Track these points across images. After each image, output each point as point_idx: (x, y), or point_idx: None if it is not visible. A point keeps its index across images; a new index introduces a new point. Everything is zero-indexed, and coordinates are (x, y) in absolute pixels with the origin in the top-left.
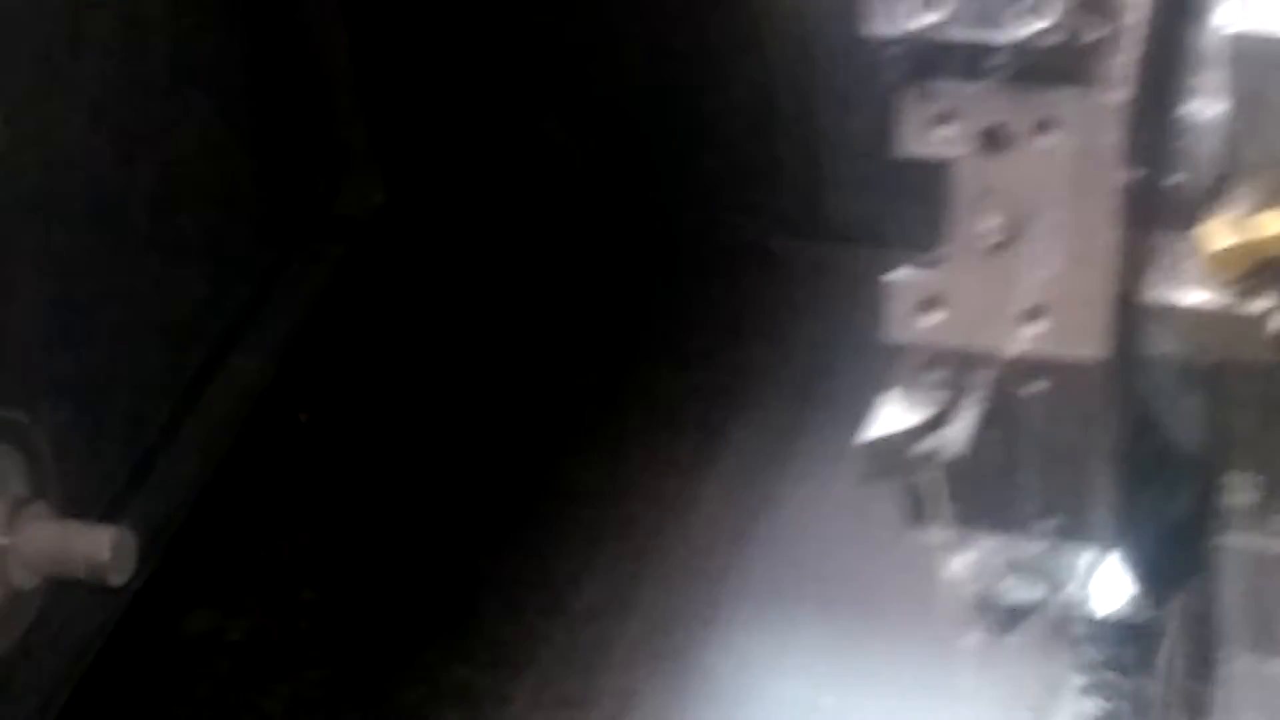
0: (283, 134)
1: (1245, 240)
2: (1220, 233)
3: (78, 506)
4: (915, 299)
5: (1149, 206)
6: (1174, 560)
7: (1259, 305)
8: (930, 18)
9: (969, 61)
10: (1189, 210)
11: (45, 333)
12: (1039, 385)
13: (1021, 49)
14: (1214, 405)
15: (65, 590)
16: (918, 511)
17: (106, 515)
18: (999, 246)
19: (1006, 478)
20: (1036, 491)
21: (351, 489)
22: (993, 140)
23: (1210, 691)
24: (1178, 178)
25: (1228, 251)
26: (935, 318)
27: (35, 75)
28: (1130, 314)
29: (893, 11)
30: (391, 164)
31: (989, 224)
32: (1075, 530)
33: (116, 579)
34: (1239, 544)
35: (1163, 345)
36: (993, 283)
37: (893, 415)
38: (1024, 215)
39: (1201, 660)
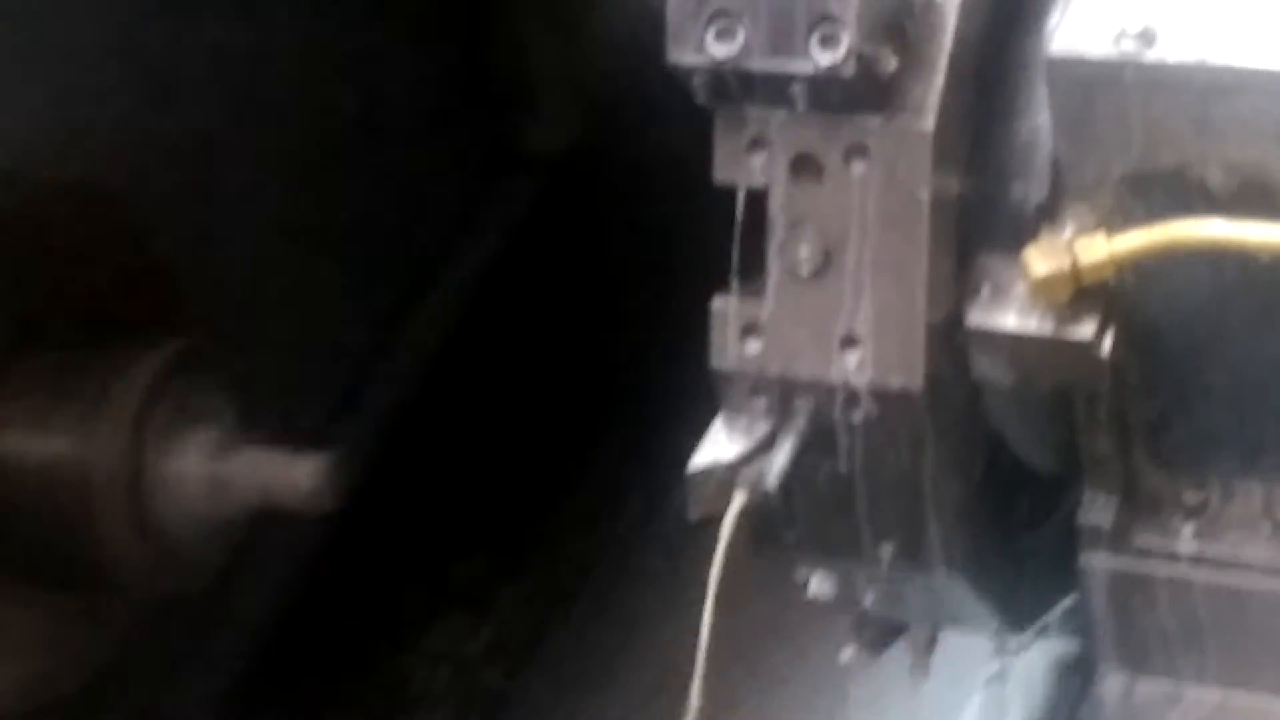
0: (479, 67)
1: (1067, 266)
2: (1044, 257)
3: (282, 435)
4: (737, 326)
5: (972, 229)
6: (1034, 583)
7: (1085, 330)
8: (728, 47)
9: (771, 89)
10: (1021, 230)
11: (254, 262)
12: (858, 413)
13: (818, 79)
14: (1069, 427)
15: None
16: (757, 536)
17: (310, 443)
18: (815, 274)
19: (841, 503)
20: (869, 517)
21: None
22: (803, 168)
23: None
24: (1013, 196)
25: (1050, 277)
26: (755, 345)
27: (240, 7)
28: (952, 340)
29: (693, 39)
30: (587, 100)
31: (804, 252)
32: (913, 554)
33: (321, 507)
34: (1098, 564)
35: (990, 370)
36: (810, 311)
37: (718, 443)
38: (838, 243)
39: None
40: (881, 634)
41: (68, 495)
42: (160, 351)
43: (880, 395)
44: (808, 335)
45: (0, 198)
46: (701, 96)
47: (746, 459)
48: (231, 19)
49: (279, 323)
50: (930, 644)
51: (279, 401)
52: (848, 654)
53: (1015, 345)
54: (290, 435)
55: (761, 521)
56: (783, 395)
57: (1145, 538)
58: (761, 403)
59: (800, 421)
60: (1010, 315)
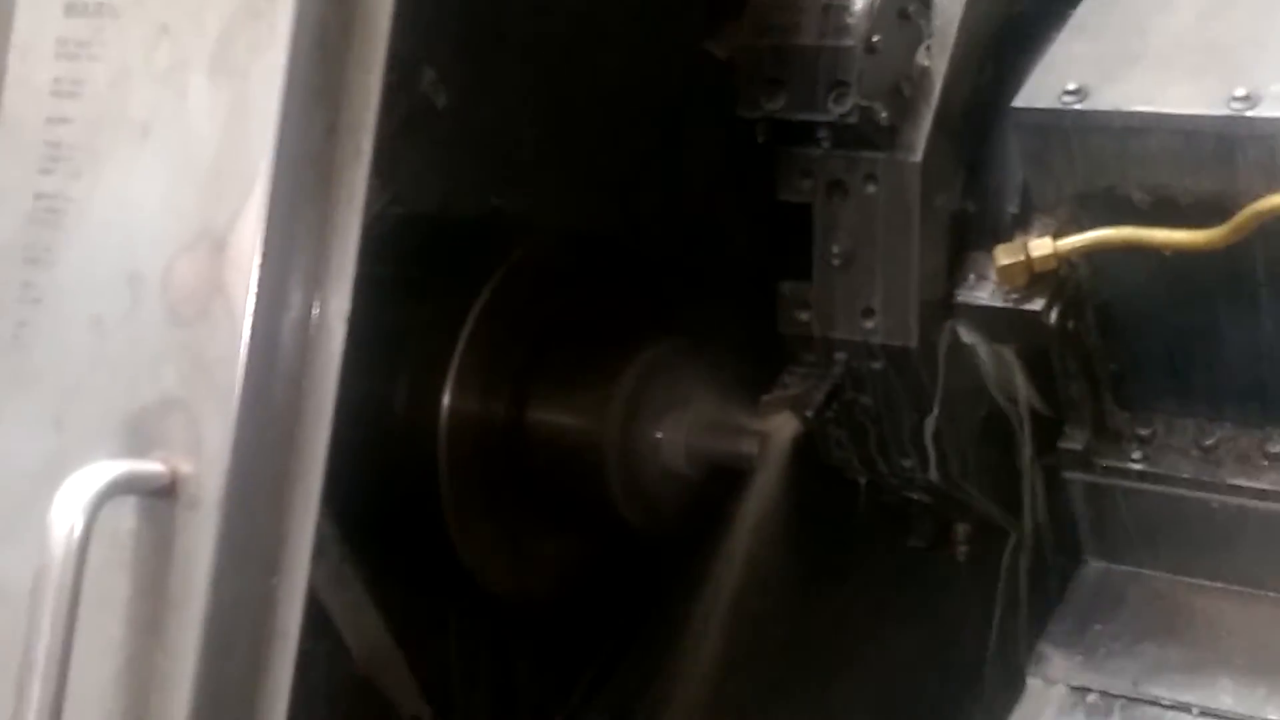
0: None
1: (1023, 259)
2: (1007, 253)
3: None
4: (794, 302)
5: (967, 235)
6: (1011, 489)
7: (1036, 305)
8: (775, 104)
9: (806, 134)
10: (1001, 236)
11: (719, 290)
12: (877, 363)
13: (835, 125)
14: (1051, 378)
15: None
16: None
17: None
18: (844, 265)
19: (874, 428)
20: (892, 440)
21: None
22: (835, 190)
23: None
24: (997, 212)
25: (1011, 266)
26: (806, 315)
27: None
28: (942, 312)
29: (753, 99)
30: None
31: (836, 249)
32: (925, 468)
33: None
34: (1075, 479)
35: (971, 335)
36: (842, 291)
37: (783, 385)
38: (860, 243)
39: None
40: (934, 528)
41: (584, 457)
42: (650, 351)
43: (889, 351)
44: (841, 308)
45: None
46: (762, 139)
47: (802, 396)
48: None
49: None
50: (972, 537)
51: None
52: (911, 541)
53: (986, 315)
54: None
55: (820, 444)
56: (825, 351)
57: (1109, 460)
58: (812, 357)
59: (838, 370)
60: (984, 293)
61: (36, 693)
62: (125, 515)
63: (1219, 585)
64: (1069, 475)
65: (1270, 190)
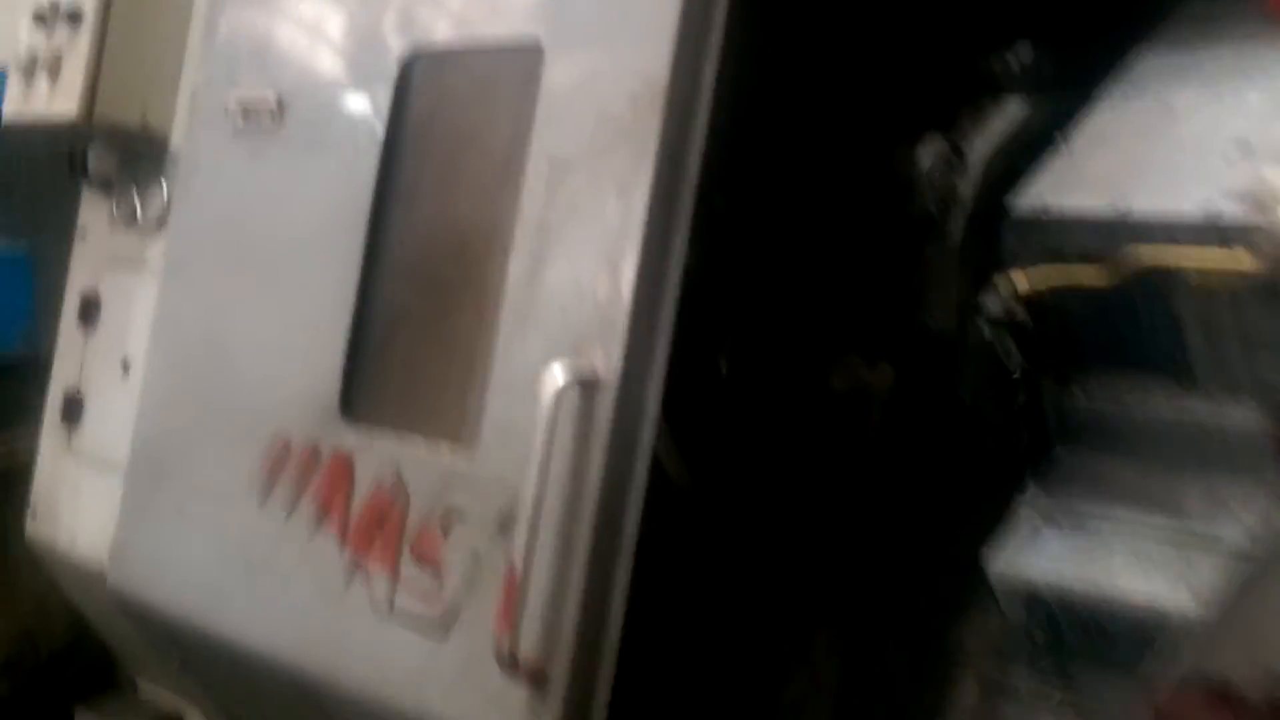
0: None
1: (1012, 288)
2: (1004, 283)
3: None
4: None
5: (981, 272)
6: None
7: (1019, 309)
8: None
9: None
10: (999, 272)
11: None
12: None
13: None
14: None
15: None
16: None
17: None
18: (920, 287)
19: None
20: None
21: None
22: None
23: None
24: (999, 261)
25: (1006, 290)
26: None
27: None
28: (971, 313)
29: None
30: None
31: (916, 279)
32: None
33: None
34: (1047, 401)
35: (985, 326)
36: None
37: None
38: (930, 275)
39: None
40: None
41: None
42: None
43: (941, 335)
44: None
45: None
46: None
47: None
48: None
49: None
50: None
51: None
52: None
53: (993, 315)
54: None
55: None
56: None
57: (1064, 394)
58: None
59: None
60: (993, 304)
61: (533, 475)
62: (573, 390)
63: (1125, 459)
64: (1045, 398)
65: (1140, 252)
